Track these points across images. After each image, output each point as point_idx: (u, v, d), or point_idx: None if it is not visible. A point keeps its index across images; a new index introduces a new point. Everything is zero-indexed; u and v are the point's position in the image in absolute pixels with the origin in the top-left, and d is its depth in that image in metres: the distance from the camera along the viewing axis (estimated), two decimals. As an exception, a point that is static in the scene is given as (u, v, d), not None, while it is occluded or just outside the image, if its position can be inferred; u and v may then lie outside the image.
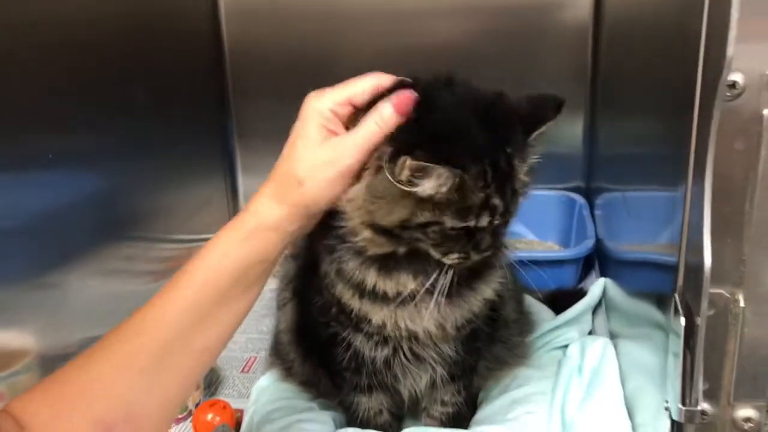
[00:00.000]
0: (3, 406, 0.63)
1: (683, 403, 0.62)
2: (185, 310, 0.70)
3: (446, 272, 0.77)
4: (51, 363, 1.10)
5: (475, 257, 0.75)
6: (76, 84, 1.17)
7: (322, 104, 0.73)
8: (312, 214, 0.75)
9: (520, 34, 1.59)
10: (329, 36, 1.64)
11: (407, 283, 0.79)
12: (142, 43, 1.36)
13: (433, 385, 0.94)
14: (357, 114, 0.74)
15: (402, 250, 0.77)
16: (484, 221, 0.72)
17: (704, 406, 0.65)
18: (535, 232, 1.59)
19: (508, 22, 1.59)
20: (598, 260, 1.39)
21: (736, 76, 0.57)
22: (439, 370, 0.91)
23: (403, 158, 0.67)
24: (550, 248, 1.54)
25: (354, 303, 0.83)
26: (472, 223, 0.71)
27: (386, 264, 0.79)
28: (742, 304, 0.62)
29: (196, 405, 1.06)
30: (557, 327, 1.15)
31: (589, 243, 1.35)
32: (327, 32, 1.64)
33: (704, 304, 0.59)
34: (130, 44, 1.32)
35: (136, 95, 1.35)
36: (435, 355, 0.89)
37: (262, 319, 1.24)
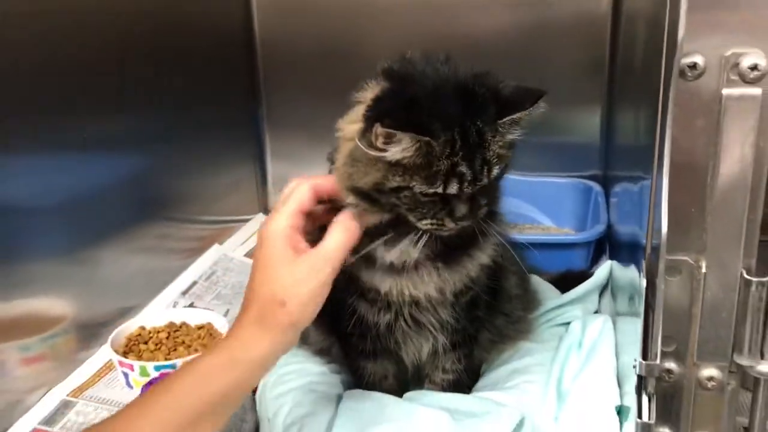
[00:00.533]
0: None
1: (644, 358, 0.67)
2: (154, 429, 0.70)
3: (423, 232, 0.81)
4: (85, 328, 1.19)
5: (450, 225, 0.79)
6: (114, 72, 1.25)
7: (279, 224, 0.76)
8: (297, 335, 0.76)
9: (541, 27, 1.64)
10: (358, 27, 1.70)
11: (409, 250, 0.85)
12: (177, 34, 1.44)
13: (435, 353, 1.00)
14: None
15: (386, 216, 0.81)
16: (452, 188, 0.75)
17: (671, 365, 0.70)
18: (552, 218, 1.64)
19: (529, 15, 1.63)
20: (609, 245, 1.43)
21: (697, 58, 0.62)
22: (441, 338, 0.97)
23: (375, 125, 0.73)
24: (566, 234, 1.58)
25: (363, 275, 0.89)
26: (440, 189, 0.75)
27: (390, 237, 0.85)
28: (704, 270, 0.67)
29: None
30: (561, 305, 1.20)
31: (600, 228, 1.40)
32: (356, 23, 1.70)
33: (662, 265, 0.64)
34: (165, 34, 1.40)
35: (170, 83, 1.43)
36: (435, 322, 0.95)
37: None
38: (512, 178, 1.63)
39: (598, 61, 1.62)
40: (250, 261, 1.49)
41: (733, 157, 0.64)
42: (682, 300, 0.68)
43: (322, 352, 1.09)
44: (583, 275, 1.30)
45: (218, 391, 0.72)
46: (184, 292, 1.38)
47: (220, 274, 1.46)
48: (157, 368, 1.07)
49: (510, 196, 1.56)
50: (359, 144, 0.75)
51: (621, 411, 0.91)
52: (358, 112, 0.79)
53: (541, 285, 1.26)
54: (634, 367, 0.69)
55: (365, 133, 0.75)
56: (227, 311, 1.32)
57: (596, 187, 1.59)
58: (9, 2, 1.01)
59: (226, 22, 1.69)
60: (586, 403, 0.93)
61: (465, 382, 1.03)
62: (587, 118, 1.69)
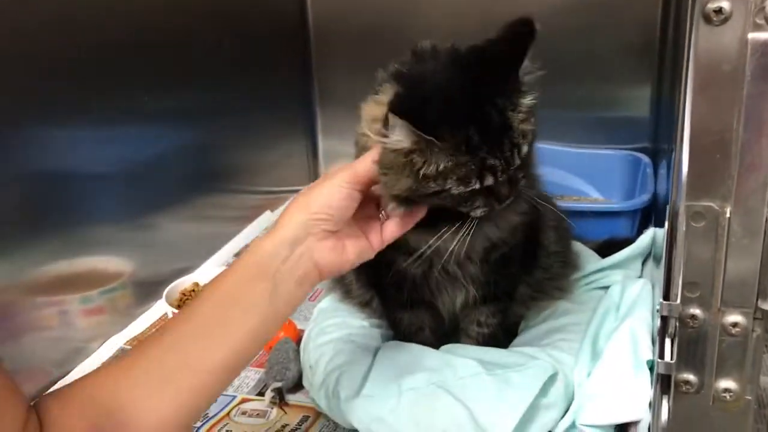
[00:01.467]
0: (34, 402, 0.69)
1: (665, 298, 0.69)
2: (185, 323, 0.74)
3: (470, 222, 0.83)
4: (142, 285, 1.26)
5: (498, 207, 0.81)
6: (172, 48, 1.32)
7: (339, 173, 0.80)
8: (314, 228, 0.78)
9: (594, 6, 1.64)
10: (409, 5, 1.73)
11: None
12: (235, 13, 1.50)
13: (468, 304, 1.02)
14: None
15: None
16: (488, 181, 0.77)
17: (696, 311, 0.71)
18: (601, 190, 1.64)
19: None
20: (655, 215, 1.43)
21: (722, 3, 0.63)
22: (472, 290, 1.00)
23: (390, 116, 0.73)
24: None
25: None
26: (476, 186, 0.77)
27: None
28: (728, 215, 0.68)
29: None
30: (602, 269, 1.21)
31: (644, 197, 1.39)
32: (406, 1, 1.73)
33: (682, 207, 0.65)
34: (222, 11, 1.46)
35: (227, 62, 1.49)
36: (465, 274, 0.98)
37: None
38: (561, 150, 1.65)
39: (649, 38, 1.62)
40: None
41: (759, 102, 0.65)
42: (707, 246, 0.69)
43: (363, 305, 1.13)
44: (626, 243, 1.30)
45: (240, 275, 0.76)
46: (237, 254, 1.43)
47: (271, 238, 1.51)
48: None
49: (558, 168, 1.59)
50: (386, 147, 0.77)
51: (653, 366, 0.92)
52: (374, 111, 0.80)
53: (584, 251, 1.27)
54: (658, 310, 0.71)
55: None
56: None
57: (645, 159, 1.58)
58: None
59: (281, 1, 1.74)
60: (619, 358, 0.95)
61: (500, 338, 1.06)
62: (638, 93, 1.69)
